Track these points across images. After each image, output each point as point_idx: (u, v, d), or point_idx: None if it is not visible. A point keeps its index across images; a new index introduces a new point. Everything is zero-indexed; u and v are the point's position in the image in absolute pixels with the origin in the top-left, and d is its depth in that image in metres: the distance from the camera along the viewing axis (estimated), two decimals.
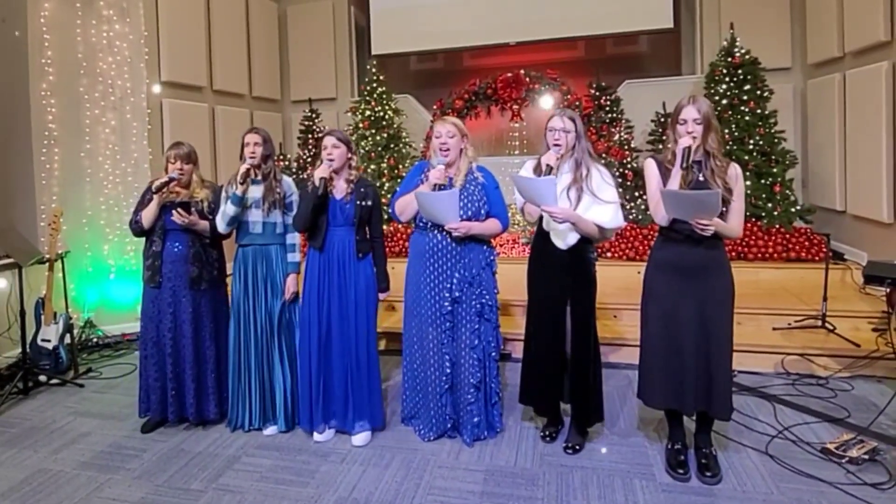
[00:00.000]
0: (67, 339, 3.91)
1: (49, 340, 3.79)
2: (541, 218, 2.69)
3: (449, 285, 2.74)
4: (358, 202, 2.84)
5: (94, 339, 4.44)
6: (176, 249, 3.01)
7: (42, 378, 3.70)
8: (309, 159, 6.30)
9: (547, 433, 2.87)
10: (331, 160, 2.80)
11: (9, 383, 3.54)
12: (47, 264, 3.80)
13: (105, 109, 4.54)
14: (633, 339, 3.34)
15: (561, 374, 2.72)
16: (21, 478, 2.67)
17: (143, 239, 3.08)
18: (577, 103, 5.87)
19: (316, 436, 2.92)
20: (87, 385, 3.74)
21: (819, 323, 3.78)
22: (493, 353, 2.83)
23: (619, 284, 3.99)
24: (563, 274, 2.66)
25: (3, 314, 3.85)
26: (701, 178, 2.39)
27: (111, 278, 4.57)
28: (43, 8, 4.23)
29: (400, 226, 5.56)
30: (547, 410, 2.88)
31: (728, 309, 2.44)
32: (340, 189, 2.87)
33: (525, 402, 2.92)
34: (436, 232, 2.74)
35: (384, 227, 5.51)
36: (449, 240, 2.72)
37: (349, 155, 2.87)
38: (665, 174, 2.44)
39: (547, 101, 5.96)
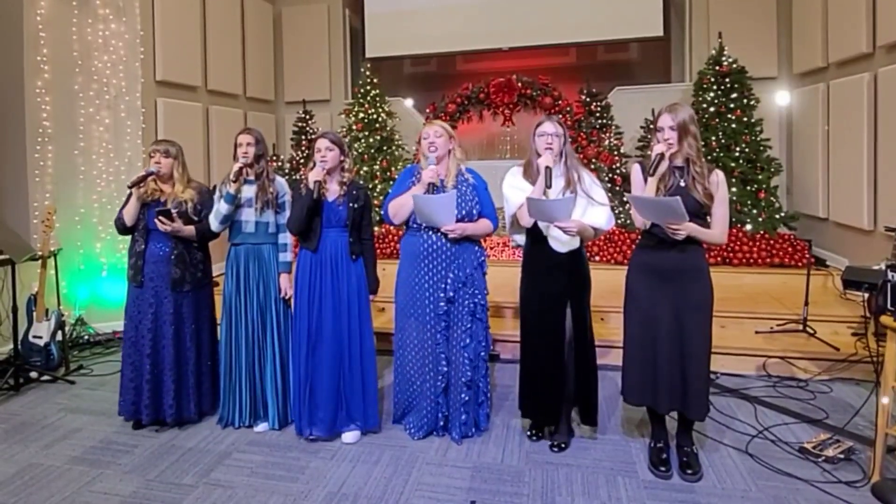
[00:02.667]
0: (59, 336, 3.92)
1: (40, 337, 3.80)
2: (535, 224, 2.71)
3: (444, 286, 2.77)
4: (350, 204, 2.87)
5: (86, 337, 4.45)
6: (158, 250, 2.98)
7: (33, 374, 3.72)
8: (302, 160, 6.34)
9: (533, 432, 2.92)
10: (324, 161, 2.82)
11: (0, 379, 3.55)
12: (40, 261, 3.81)
13: (100, 108, 4.56)
14: (620, 341, 3.39)
15: (563, 377, 2.73)
16: (12, 472, 2.69)
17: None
18: (569, 109, 5.95)
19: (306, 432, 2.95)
20: (78, 382, 3.75)
21: (800, 327, 3.86)
22: (483, 353, 2.88)
23: (607, 288, 4.04)
24: (563, 276, 2.70)
25: None
26: (682, 184, 2.44)
27: (103, 276, 4.59)
28: (39, 6, 4.25)
29: (392, 228, 5.61)
30: (550, 421, 2.84)
31: (705, 313, 2.48)
32: (333, 191, 2.89)
33: (527, 414, 2.92)
34: (430, 233, 2.78)
35: (375, 228, 5.59)
36: (444, 240, 2.76)
37: (342, 157, 2.90)
38: (648, 178, 2.51)
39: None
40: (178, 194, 3.02)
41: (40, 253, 3.82)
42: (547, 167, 2.58)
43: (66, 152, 4.42)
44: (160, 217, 2.88)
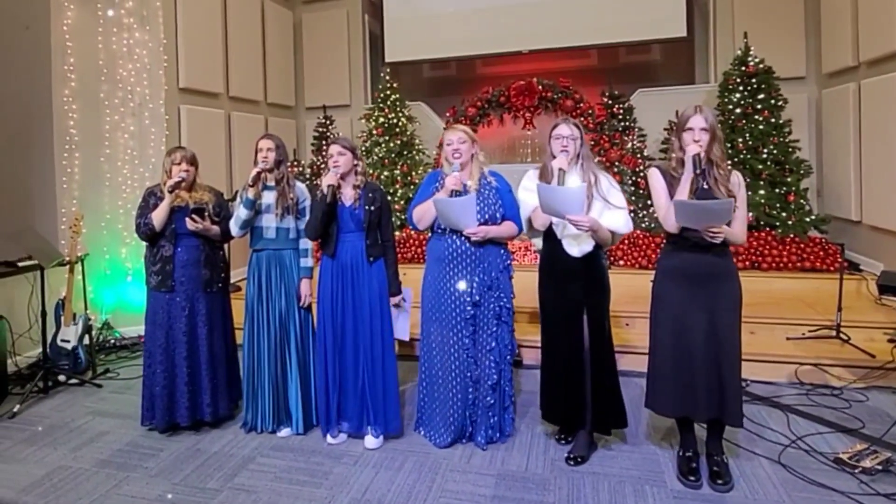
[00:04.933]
0: (86, 340, 3.98)
1: (68, 341, 3.86)
2: (549, 227, 2.70)
3: (469, 289, 2.76)
4: (367, 207, 2.87)
5: (112, 341, 4.52)
6: (188, 253, 3.02)
7: (61, 378, 3.77)
8: (323, 165, 6.36)
9: (562, 436, 2.89)
10: (336, 167, 2.84)
11: (29, 382, 3.62)
12: (67, 266, 3.87)
13: (124, 115, 4.63)
14: (644, 347, 3.33)
15: (582, 383, 2.68)
16: (42, 474, 2.73)
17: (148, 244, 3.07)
18: (590, 111, 5.89)
19: (329, 438, 2.95)
20: (104, 385, 3.80)
21: (833, 333, 3.75)
22: (508, 356, 2.85)
23: (631, 293, 3.98)
24: (578, 281, 2.66)
25: (25, 315, 3.93)
26: (705, 186, 2.42)
27: (128, 281, 4.65)
28: (66, 16, 4.34)
29: (413, 232, 5.60)
30: (571, 427, 2.83)
31: (737, 315, 2.45)
32: (348, 195, 2.90)
33: (548, 419, 2.90)
34: (454, 237, 2.77)
35: (397, 233, 5.59)
36: (468, 244, 2.74)
37: (355, 161, 2.90)
38: (672, 182, 2.47)
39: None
40: (199, 197, 3.07)
41: (68, 258, 3.88)
42: (560, 169, 2.57)
43: (93, 159, 4.51)
44: (193, 215, 2.93)
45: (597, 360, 2.67)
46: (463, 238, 2.74)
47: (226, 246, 3.31)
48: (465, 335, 2.77)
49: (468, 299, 2.75)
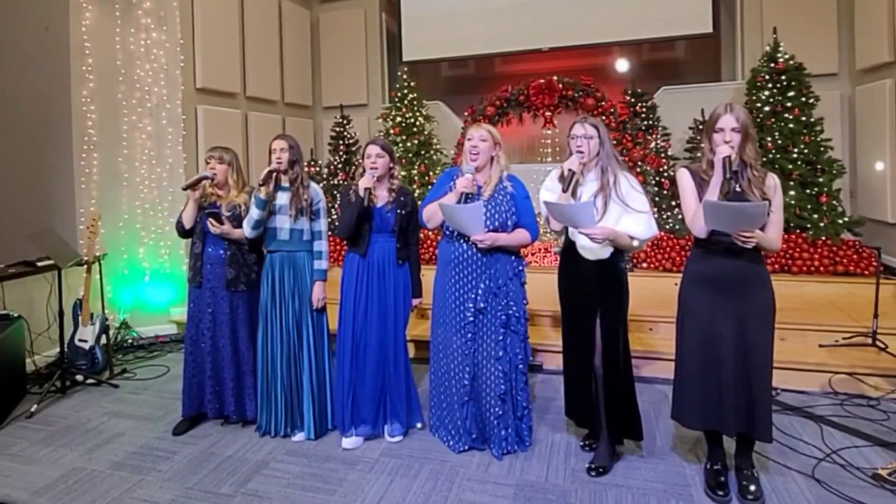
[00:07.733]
0: (103, 340, 3.99)
1: (86, 341, 3.87)
2: (566, 227, 2.63)
3: (474, 296, 2.69)
4: (398, 211, 2.88)
5: (129, 340, 4.54)
6: (214, 251, 3.08)
7: (79, 377, 3.78)
8: (339, 165, 6.33)
9: (587, 443, 2.82)
10: (374, 168, 2.83)
11: (47, 382, 3.63)
12: (85, 266, 3.89)
13: (142, 115, 4.65)
14: (668, 352, 3.23)
15: (590, 385, 2.63)
16: (57, 476, 2.72)
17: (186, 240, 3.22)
18: (612, 110, 5.76)
19: (345, 442, 2.91)
20: (121, 385, 3.80)
21: (869, 340, 3.59)
22: (521, 365, 2.76)
23: (655, 296, 3.87)
24: (592, 283, 2.58)
25: (43, 314, 3.95)
26: (738, 189, 2.31)
27: (146, 281, 4.66)
28: (84, 17, 4.36)
29: (430, 233, 5.53)
30: (585, 422, 2.82)
31: (768, 325, 2.33)
32: (382, 197, 2.90)
33: (569, 414, 2.87)
34: (462, 241, 2.71)
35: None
36: (475, 250, 2.68)
37: (391, 164, 2.91)
38: (701, 184, 2.36)
39: None
40: (233, 199, 3.10)
41: (85, 258, 3.89)
42: (570, 170, 2.50)
43: (111, 160, 4.53)
44: (210, 219, 2.98)
45: (609, 365, 2.58)
46: (470, 243, 2.68)
47: None
48: (465, 341, 2.72)
49: (471, 306, 2.69)
